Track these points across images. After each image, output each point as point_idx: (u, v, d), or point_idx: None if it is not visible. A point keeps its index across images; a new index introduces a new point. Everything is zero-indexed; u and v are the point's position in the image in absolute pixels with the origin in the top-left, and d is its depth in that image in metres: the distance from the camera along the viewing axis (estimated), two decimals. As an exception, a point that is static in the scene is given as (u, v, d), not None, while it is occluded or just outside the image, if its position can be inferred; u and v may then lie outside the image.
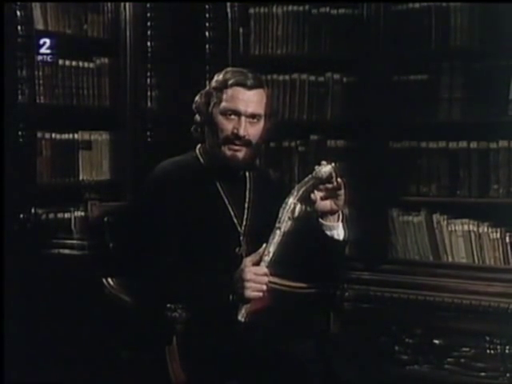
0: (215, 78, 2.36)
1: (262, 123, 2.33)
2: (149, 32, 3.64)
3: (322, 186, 2.23)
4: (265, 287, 2.13)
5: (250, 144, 2.30)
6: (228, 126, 2.29)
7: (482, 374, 2.89)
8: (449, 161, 3.06)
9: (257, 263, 2.13)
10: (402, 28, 3.07)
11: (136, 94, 3.67)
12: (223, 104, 2.30)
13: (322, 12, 3.23)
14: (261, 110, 2.32)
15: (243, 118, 2.29)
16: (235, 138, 2.29)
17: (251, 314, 2.12)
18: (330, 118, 3.25)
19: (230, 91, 2.30)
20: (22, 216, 3.39)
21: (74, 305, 3.24)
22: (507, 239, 2.96)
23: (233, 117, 2.29)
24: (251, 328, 2.15)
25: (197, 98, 2.38)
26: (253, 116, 2.30)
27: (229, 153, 2.30)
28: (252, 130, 2.30)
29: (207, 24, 3.33)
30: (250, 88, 2.29)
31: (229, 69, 2.38)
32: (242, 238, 2.35)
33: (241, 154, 2.30)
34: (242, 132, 2.28)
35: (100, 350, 2.93)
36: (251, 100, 2.29)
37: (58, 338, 3.29)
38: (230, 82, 2.30)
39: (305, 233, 2.27)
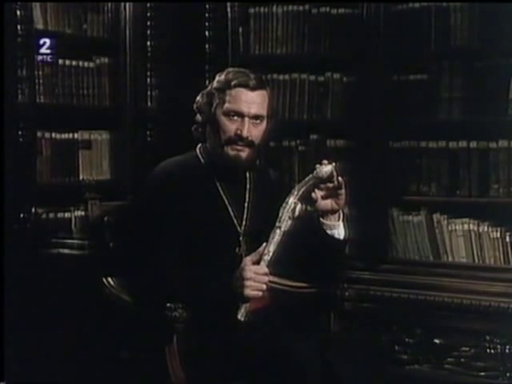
0: (217, 78, 2.35)
1: (264, 124, 2.33)
2: (149, 32, 3.64)
3: (322, 186, 2.24)
4: (265, 286, 2.13)
5: (253, 145, 2.30)
6: (231, 126, 2.29)
7: (482, 373, 2.89)
8: (449, 160, 3.06)
9: (257, 262, 2.13)
10: (402, 28, 3.07)
11: (136, 93, 3.67)
12: (226, 105, 2.30)
13: (321, 12, 3.23)
14: (263, 111, 2.32)
15: (246, 119, 2.29)
16: (238, 139, 2.29)
17: (251, 314, 2.12)
18: (330, 118, 3.25)
19: (232, 92, 2.29)
20: (21, 216, 3.38)
21: (74, 304, 3.23)
22: (507, 239, 2.96)
23: (236, 118, 2.29)
24: (251, 327, 2.15)
25: (198, 97, 2.38)
26: (256, 117, 2.30)
27: (231, 153, 2.30)
28: (255, 131, 2.30)
29: (207, 24, 3.33)
30: (252, 89, 2.29)
31: (230, 69, 2.38)
32: (241, 238, 2.35)
33: (243, 154, 2.30)
34: (245, 133, 2.28)
35: (100, 350, 2.93)
36: (254, 101, 2.29)
37: (57, 337, 3.29)
38: (233, 82, 2.29)
39: (305, 232, 2.28)
